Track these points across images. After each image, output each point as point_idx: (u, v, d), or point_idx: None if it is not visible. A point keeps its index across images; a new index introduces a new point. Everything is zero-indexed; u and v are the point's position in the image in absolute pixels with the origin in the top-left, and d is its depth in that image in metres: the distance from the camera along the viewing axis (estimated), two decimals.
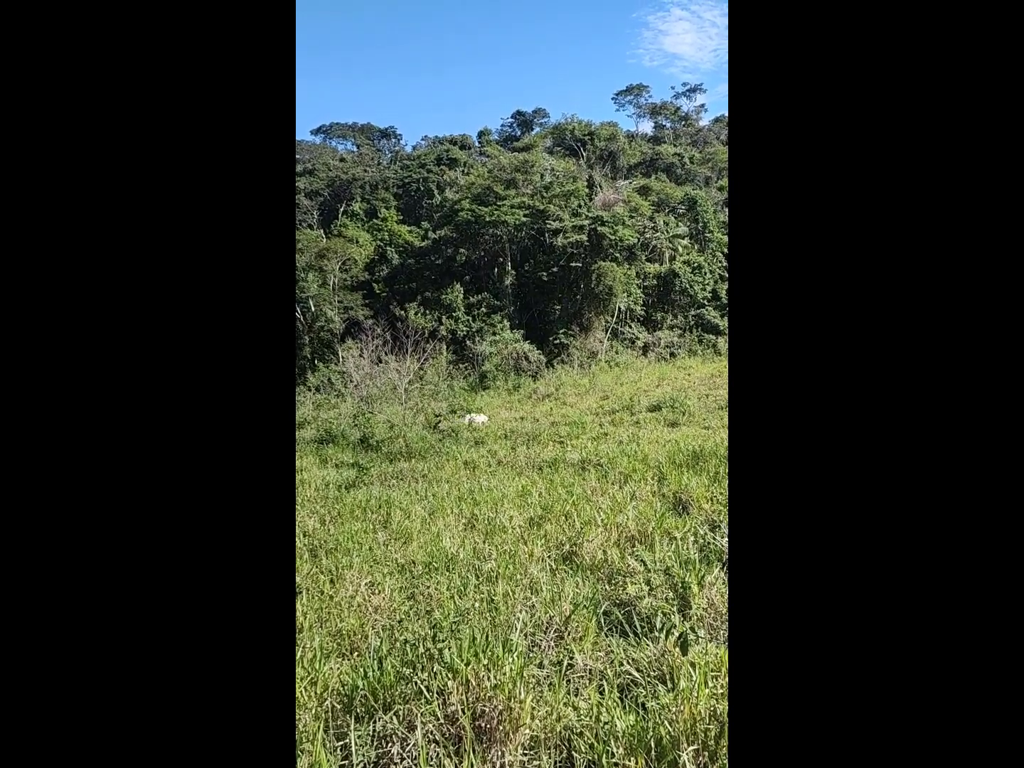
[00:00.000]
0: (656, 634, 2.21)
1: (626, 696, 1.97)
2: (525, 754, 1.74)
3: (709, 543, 3.19)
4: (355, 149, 42.74)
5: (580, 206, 24.59)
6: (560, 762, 1.73)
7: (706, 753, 1.57)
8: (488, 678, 1.90)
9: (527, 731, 1.77)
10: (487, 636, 2.22)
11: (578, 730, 1.78)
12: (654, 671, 2.08)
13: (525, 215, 23.43)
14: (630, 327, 23.30)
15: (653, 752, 1.60)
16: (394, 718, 1.86)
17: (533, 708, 1.82)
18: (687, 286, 23.92)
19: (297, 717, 1.79)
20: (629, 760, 1.59)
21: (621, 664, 2.14)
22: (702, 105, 56.56)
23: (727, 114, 1.06)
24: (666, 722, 1.66)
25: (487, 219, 23.05)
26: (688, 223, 25.74)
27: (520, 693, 1.84)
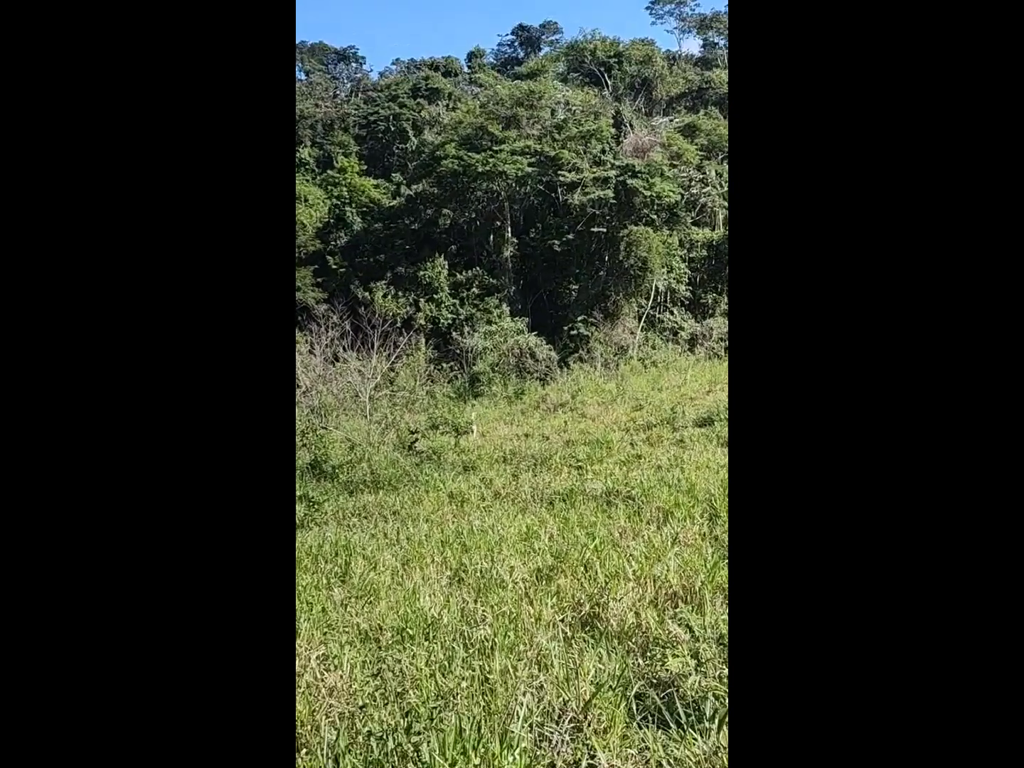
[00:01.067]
0: (706, 724, 2.22)
1: None
2: None
3: None
4: (303, 77, 43.15)
5: (604, 152, 24.66)
6: None
7: None
8: None
9: None
10: (479, 727, 2.24)
11: None
12: None
13: (531, 164, 23.43)
14: (671, 313, 23.36)
15: None
16: None
17: None
18: None
19: None
20: None
21: (659, 765, 2.16)
22: None
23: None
24: None
25: (479, 170, 23.05)
26: None
27: None
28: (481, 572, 4.25)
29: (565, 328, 22.41)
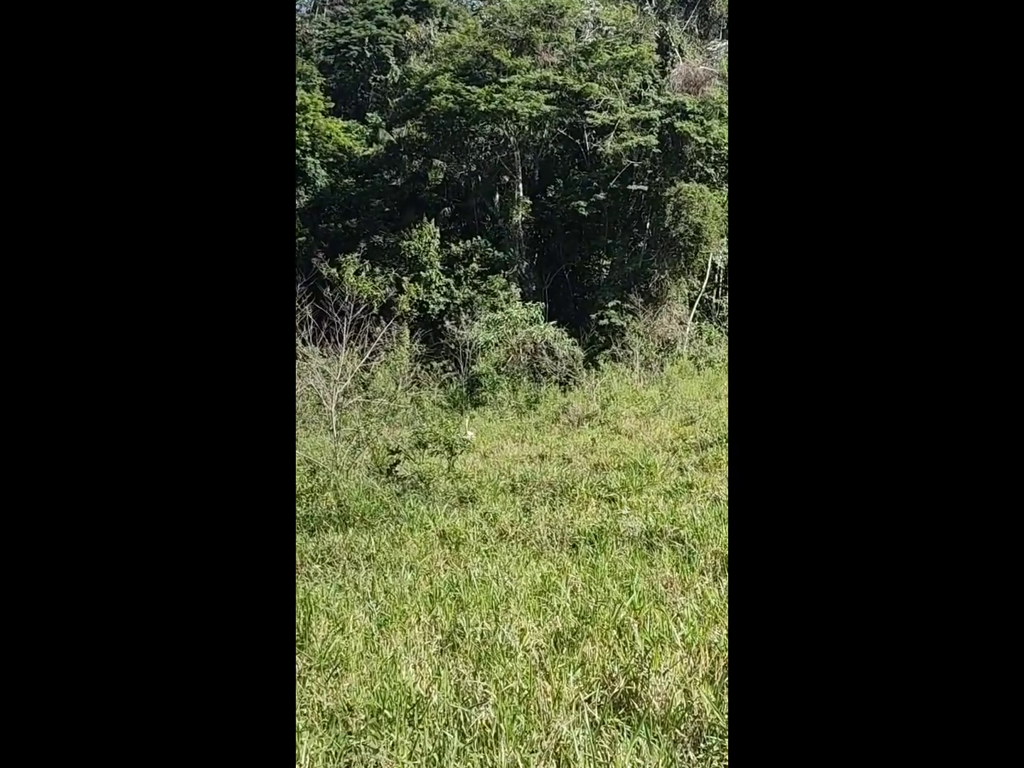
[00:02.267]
0: None
1: None
2: None
3: None
4: None
5: (646, 86, 24.74)
6: None
7: None
8: None
9: None
10: None
11: None
12: None
13: (549, 102, 23.40)
14: None
15: None
16: None
17: None
18: None
19: None
20: None
21: None
22: None
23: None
24: None
25: (482, 108, 23.01)
26: None
27: None
28: (482, 636, 4.28)
29: (593, 317, 22.44)
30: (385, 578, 5.90)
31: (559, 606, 4.66)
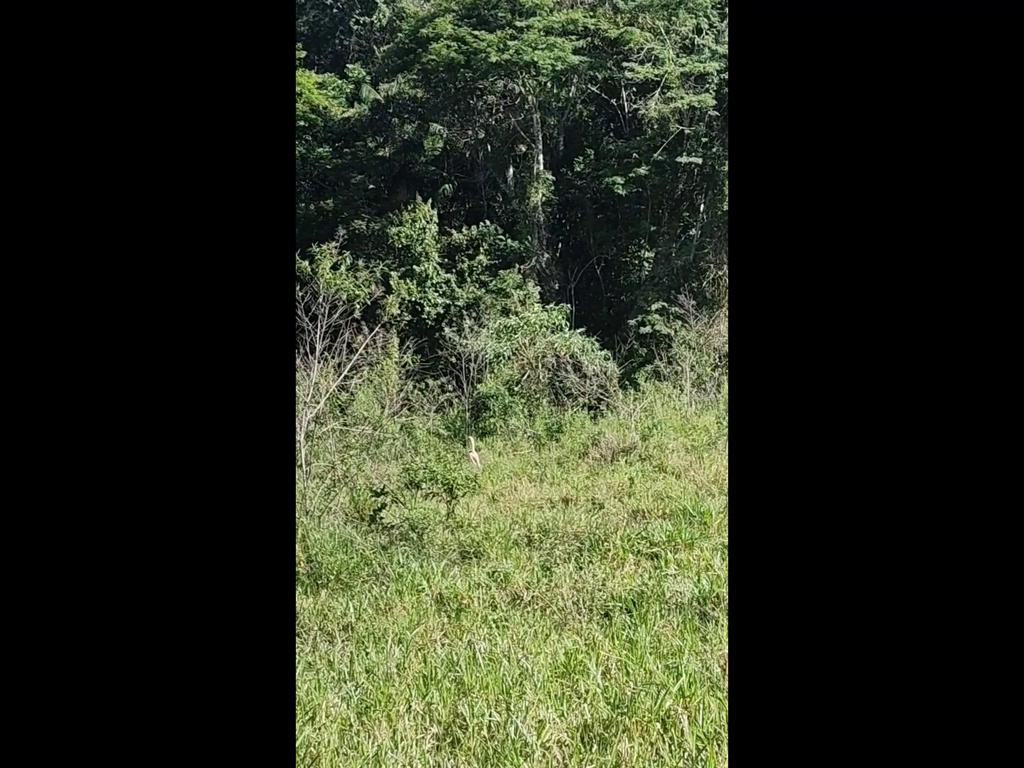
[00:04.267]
0: None
1: None
2: None
3: None
4: None
5: (700, 31, 24.84)
6: None
7: None
8: None
9: None
10: None
11: None
12: None
13: (578, 51, 23.63)
14: None
15: None
16: None
17: None
18: None
19: None
20: None
21: None
22: None
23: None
24: None
25: (492, 60, 23.22)
26: None
27: None
28: (489, 729, 4.32)
29: (632, 323, 22.53)
30: (367, 654, 5.93)
31: (587, 692, 4.68)
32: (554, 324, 21.70)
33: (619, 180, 23.34)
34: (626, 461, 14.42)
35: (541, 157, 24.73)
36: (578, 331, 21.58)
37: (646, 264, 24.72)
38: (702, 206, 24.12)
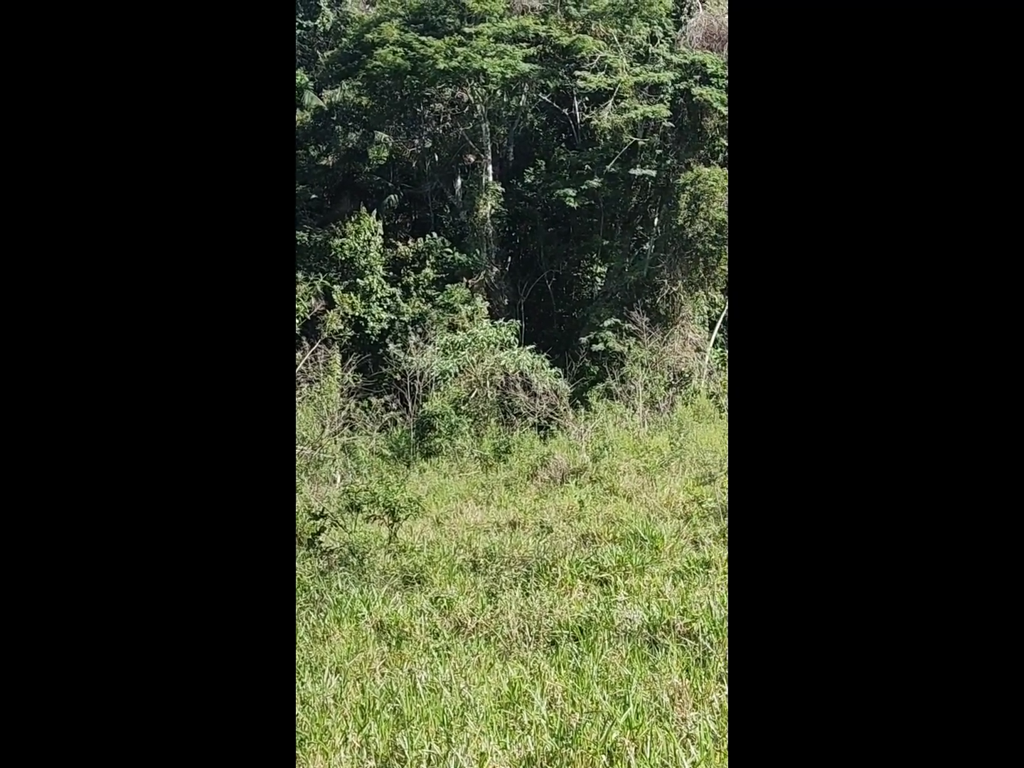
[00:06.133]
0: None
1: None
2: None
3: None
4: None
5: (655, 39, 25.08)
6: None
7: None
8: None
9: None
10: None
11: None
12: None
13: (529, 59, 23.59)
14: None
15: None
16: None
17: None
18: None
19: None
20: None
21: None
22: None
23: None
24: None
25: (440, 67, 23.15)
26: None
27: None
28: (429, 763, 4.29)
29: (583, 340, 22.66)
30: (302, 684, 5.81)
31: (532, 723, 4.66)
32: (503, 340, 21.71)
33: (571, 192, 23.43)
34: (576, 483, 14.50)
35: (490, 167, 24.78)
36: (528, 348, 21.62)
37: (598, 279, 24.94)
38: (656, 220, 24.43)
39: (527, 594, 8.00)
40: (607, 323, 22.56)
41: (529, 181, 25.48)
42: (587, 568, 8.71)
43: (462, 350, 21.15)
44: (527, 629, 6.86)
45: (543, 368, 20.90)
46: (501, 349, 21.31)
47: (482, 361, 20.72)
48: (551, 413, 19.43)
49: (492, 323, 22.43)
